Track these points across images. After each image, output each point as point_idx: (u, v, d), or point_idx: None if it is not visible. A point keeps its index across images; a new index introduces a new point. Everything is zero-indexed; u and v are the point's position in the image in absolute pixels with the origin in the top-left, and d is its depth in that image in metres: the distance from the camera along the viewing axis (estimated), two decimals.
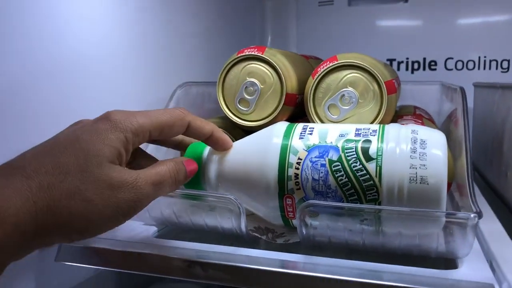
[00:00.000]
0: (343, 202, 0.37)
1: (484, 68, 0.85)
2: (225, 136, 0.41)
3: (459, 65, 0.87)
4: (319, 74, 0.46)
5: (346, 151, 0.37)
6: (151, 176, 0.33)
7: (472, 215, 0.34)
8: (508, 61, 0.84)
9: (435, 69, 0.88)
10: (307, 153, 0.38)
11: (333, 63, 0.46)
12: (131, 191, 0.31)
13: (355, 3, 0.92)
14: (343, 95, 0.46)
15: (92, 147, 0.31)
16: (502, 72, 0.85)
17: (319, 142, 0.39)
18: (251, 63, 0.49)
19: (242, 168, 0.40)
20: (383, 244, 0.37)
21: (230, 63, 0.49)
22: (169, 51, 0.63)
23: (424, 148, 0.36)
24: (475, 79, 0.79)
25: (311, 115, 0.47)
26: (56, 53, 0.45)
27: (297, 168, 0.38)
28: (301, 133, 0.40)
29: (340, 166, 0.37)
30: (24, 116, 0.43)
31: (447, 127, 0.60)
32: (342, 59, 0.46)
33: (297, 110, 0.51)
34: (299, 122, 0.43)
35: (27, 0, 0.42)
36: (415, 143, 0.36)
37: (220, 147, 0.40)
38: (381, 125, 0.39)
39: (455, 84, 0.54)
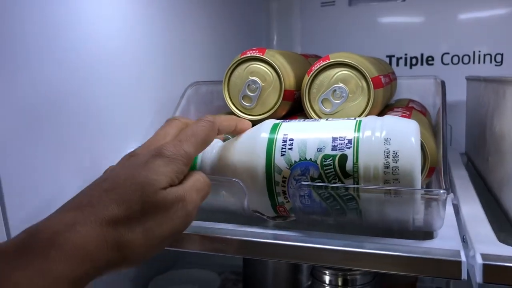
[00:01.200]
0: (329, 212, 0.42)
1: (479, 62, 0.90)
2: (244, 123, 0.47)
3: (455, 59, 0.91)
4: (313, 72, 0.52)
5: (324, 168, 0.41)
6: (194, 186, 0.38)
7: (441, 191, 0.39)
8: (502, 54, 0.89)
9: (432, 64, 0.93)
10: (290, 171, 0.42)
11: (326, 62, 0.52)
12: (183, 208, 0.36)
13: (355, 2, 0.97)
14: (335, 90, 0.51)
15: (148, 180, 0.35)
16: (496, 65, 0.89)
17: (299, 159, 0.42)
18: (253, 64, 0.55)
19: (234, 175, 0.45)
20: (367, 220, 0.42)
21: (234, 64, 0.55)
22: (178, 52, 0.69)
23: (396, 162, 0.39)
24: (470, 73, 0.83)
25: (307, 108, 0.53)
26: (63, 53, 0.50)
27: (284, 186, 0.43)
28: (282, 149, 0.43)
29: (321, 183, 0.41)
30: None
31: (436, 119, 0.65)
32: (333, 58, 0.52)
33: (296, 105, 0.57)
34: (286, 118, 0.49)
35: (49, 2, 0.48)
36: (388, 157, 0.40)
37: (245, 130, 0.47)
38: (356, 135, 0.42)
39: (439, 77, 0.59)
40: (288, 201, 0.44)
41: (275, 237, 0.44)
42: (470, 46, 0.90)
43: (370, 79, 0.50)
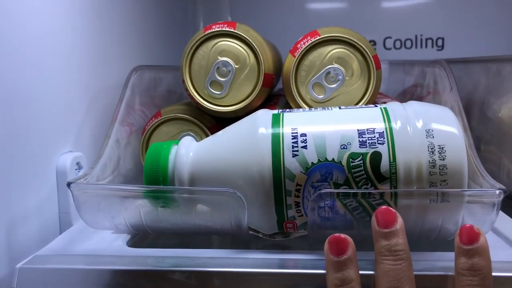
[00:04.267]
0: (354, 225, 0.33)
1: (421, 47, 0.87)
2: None
3: (398, 44, 0.87)
4: (301, 51, 0.42)
5: (353, 170, 0.32)
6: None
7: (497, 192, 0.32)
8: (443, 39, 0.86)
9: (374, 49, 0.88)
10: (306, 176, 0.32)
11: (315, 38, 0.42)
12: None
13: None
14: (329, 72, 0.42)
15: None
16: (437, 50, 0.87)
17: (318, 159, 0.32)
18: (222, 41, 0.43)
19: (227, 183, 0.34)
20: None
21: (197, 41, 0.43)
22: (107, 35, 0.54)
23: (443, 159, 0.31)
24: (412, 57, 0.79)
25: (294, 96, 0.43)
26: None
27: (297, 196, 0.33)
28: (293, 147, 0.33)
29: (348, 190, 0.32)
30: None
31: None
32: (324, 33, 0.42)
33: (271, 93, 0.47)
34: (270, 108, 0.39)
35: None
36: (433, 153, 0.32)
37: None
38: (387, 126, 0.33)
39: (426, 60, 0.53)
40: (301, 215, 0.34)
41: (284, 264, 0.33)
42: (412, 30, 0.87)
43: (371, 58, 0.42)
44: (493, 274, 0.30)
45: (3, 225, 0.36)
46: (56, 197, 0.42)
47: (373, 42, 0.88)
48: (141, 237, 0.40)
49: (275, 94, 0.55)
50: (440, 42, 0.86)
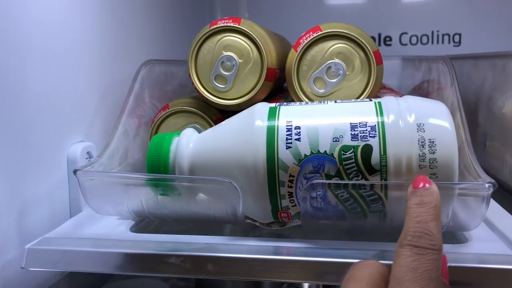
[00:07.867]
0: (345, 215, 0.34)
1: (438, 43, 0.86)
2: None
3: (414, 39, 0.87)
4: (303, 46, 0.43)
5: (344, 162, 0.33)
6: None
7: (486, 185, 0.32)
8: (460, 34, 0.86)
9: (390, 45, 0.88)
10: (299, 168, 0.34)
11: (317, 33, 0.43)
12: None
13: None
14: (330, 67, 0.43)
15: None
16: (454, 46, 0.86)
17: (311, 151, 0.33)
18: (227, 36, 0.45)
19: (225, 174, 0.35)
20: (391, 223, 0.35)
21: (202, 36, 0.45)
22: (120, 30, 0.56)
23: (433, 152, 0.32)
24: (429, 53, 0.79)
25: (296, 90, 0.44)
26: None
27: (290, 186, 0.34)
28: (287, 139, 0.34)
29: (339, 181, 0.33)
30: None
31: None
32: (326, 29, 0.43)
33: (275, 87, 0.48)
34: (274, 101, 0.40)
35: None
36: (423, 147, 0.32)
37: None
38: (380, 120, 0.34)
39: (431, 56, 0.53)
40: (295, 205, 0.35)
41: (279, 251, 0.35)
42: (429, 26, 0.86)
43: (371, 54, 0.42)
44: (485, 266, 0.31)
45: (16, 209, 0.38)
46: (67, 184, 0.44)
47: (389, 38, 0.88)
48: (145, 223, 0.42)
49: (285, 89, 0.57)
50: (457, 38, 0.86)
